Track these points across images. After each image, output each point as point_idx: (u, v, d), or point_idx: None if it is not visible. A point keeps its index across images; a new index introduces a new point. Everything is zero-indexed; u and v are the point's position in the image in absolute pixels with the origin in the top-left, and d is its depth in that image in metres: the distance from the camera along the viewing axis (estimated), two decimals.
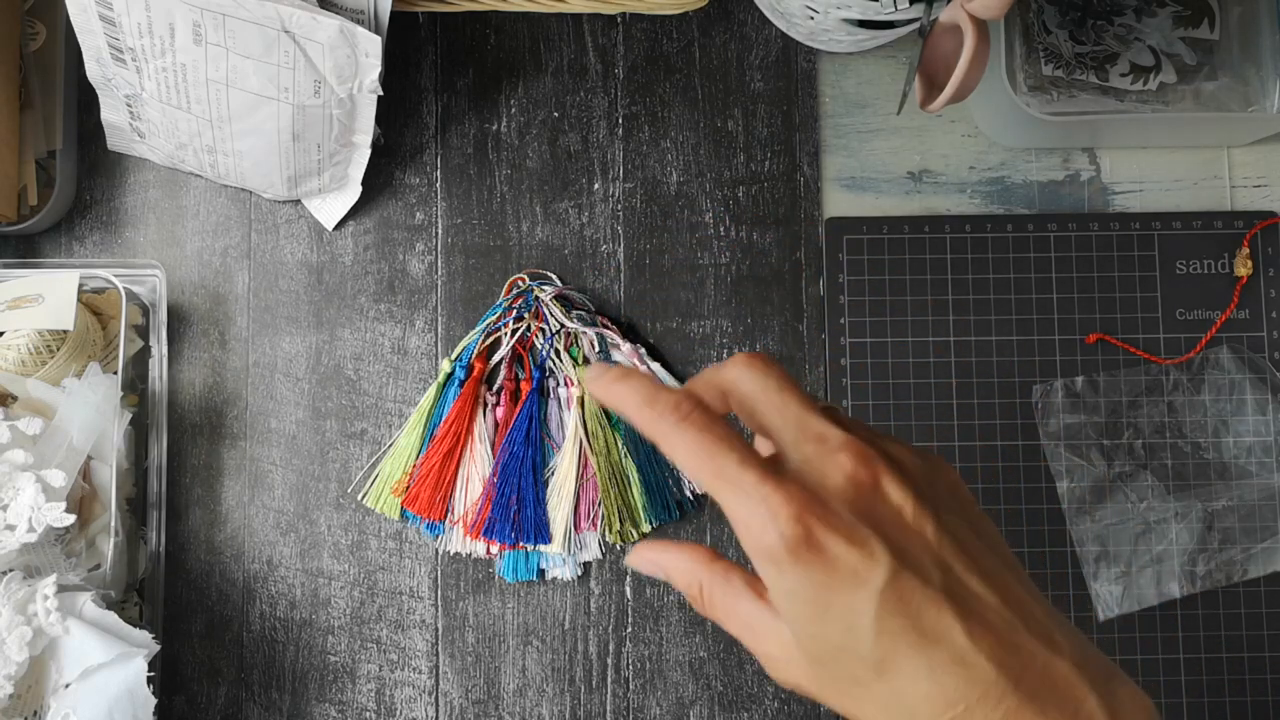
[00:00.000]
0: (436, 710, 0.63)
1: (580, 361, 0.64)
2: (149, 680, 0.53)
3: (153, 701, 0.53)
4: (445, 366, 0.64)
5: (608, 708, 0.63)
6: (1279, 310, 0.66)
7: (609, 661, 0.64)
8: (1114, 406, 0.65)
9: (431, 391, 0.64)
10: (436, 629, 0.64)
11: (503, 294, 0.65)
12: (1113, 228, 0.67)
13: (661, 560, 0.36)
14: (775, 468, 0.32)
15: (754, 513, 0.31)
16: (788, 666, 0.34)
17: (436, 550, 0.64)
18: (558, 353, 0.64)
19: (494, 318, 0.64)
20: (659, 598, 0.64)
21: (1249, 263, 0.66)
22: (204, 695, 0.63)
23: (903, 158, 0.68)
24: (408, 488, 0.63)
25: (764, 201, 0.67)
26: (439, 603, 0.64)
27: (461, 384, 0.63)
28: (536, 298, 0.64)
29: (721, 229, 0.66)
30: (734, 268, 0.66)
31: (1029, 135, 0.67)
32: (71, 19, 0.57)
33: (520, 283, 0.65)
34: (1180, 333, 0.66)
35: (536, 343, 0.64)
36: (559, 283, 0.66)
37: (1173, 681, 0.63)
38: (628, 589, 0.64)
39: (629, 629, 0.64)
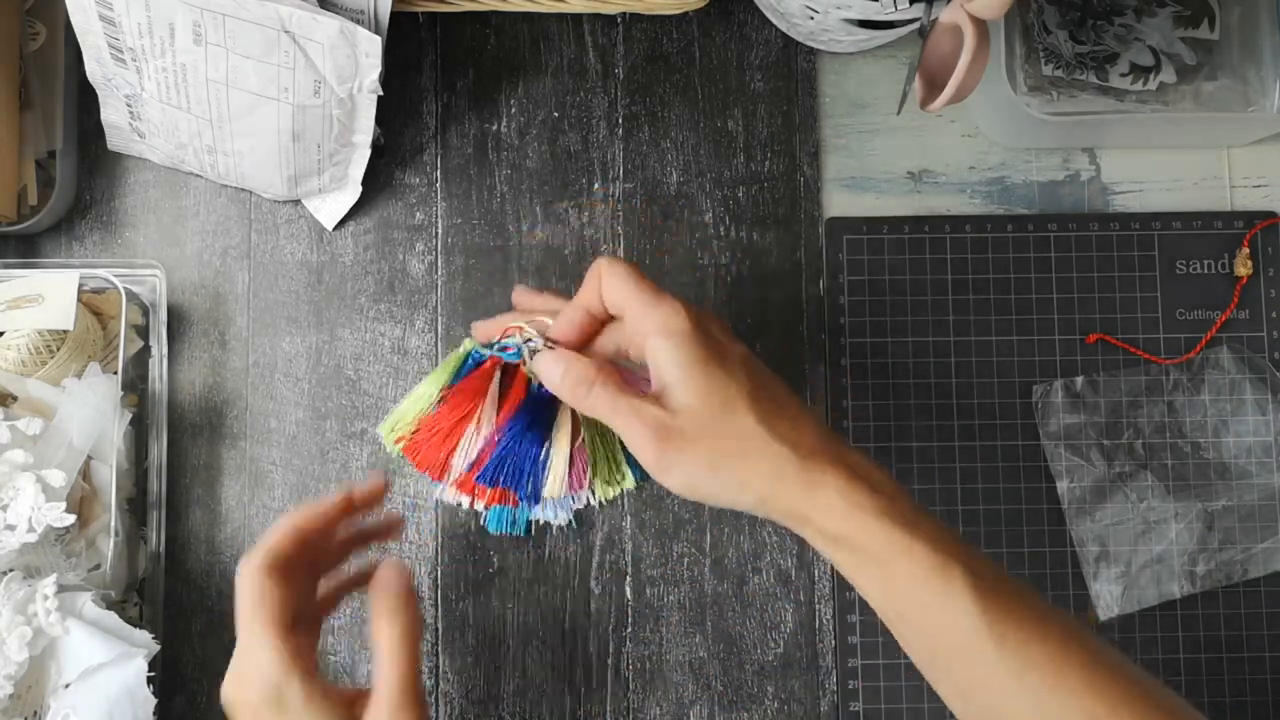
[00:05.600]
0: (436, 710, 0.63)
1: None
2: (149, 680, 0.53)
3: (153, 701, 0.53)
4: (467, 345, 0.59)
5: (608, 708, 0.63)
6: (1279, 310, 0.66)
7: (609, 661, 0.64)
8: (1114, 406, 0.65)
9: (453, 358, 0.59)
10: (436, 629, 0.64)
11: (498, 336, 0.59)
12: (1113, 228, 0.67)
13: (567, 358, 0.50)
14: None
15: (673, 310, 0.47)
16: (665, 441, 0.46)
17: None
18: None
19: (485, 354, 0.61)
20: (659, 598, 0.64)
21: (1249, 263, 0.66)
22: (204, 695, 0.63)
23: (903, 158, 0.68)
24: (412, 434, 0.59)
25: (764, 201, 0.67)
26: (439, 603, 0.64)
27: (478, 364, 0.60)
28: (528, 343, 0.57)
29: (721, 229, 0.66)
30: (734, 268, 0.66)
31: (1029, 135, 0.67)
32: (71, 19, 0.57)
33: (517, 333, 0.58)
34: (1180, 333, 0.66)
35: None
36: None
37: (1173, 681, 0.63)
38: (628, 589, 0.64)
39: (629, 629, 0.64)
